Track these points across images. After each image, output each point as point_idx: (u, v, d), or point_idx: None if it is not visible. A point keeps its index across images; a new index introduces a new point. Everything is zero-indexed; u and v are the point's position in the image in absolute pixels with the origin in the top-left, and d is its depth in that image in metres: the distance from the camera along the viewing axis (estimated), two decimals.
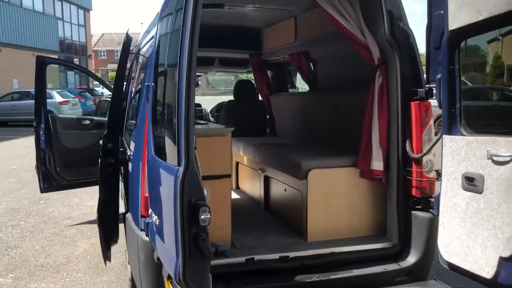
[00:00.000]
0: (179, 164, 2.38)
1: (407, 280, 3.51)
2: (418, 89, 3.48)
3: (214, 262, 3.30)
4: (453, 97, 3.13)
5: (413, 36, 3.59)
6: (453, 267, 3.11)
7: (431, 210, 3.45)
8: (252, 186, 5.29)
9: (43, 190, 6.46)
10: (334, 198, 3.80)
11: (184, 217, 2.30)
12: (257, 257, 3.38)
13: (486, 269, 2.86)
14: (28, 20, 31.01)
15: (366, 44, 3.63)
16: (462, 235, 3.02)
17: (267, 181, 4.76)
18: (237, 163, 5.76)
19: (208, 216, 2.35)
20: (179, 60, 2.42)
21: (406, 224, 3.56)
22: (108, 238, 3.92)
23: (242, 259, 3.35)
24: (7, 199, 8.29)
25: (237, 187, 5.81)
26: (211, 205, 3.29)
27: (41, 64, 6.31)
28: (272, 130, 6.37)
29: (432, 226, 3.40)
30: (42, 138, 6.32)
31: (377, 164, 3.69)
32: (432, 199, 3.43)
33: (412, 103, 3.49)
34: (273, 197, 4.71)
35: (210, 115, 7.88)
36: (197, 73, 7.30)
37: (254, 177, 5.17)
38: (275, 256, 3.42)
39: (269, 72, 6.62)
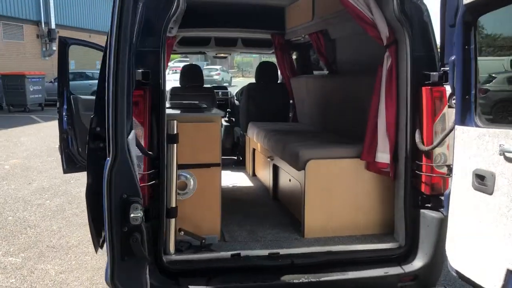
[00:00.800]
0: (108, 155, 2.15)
1: (412, 287, 3.16)
2: (431, 73, 3.07)
3: (195, 256, 3.11)
4: (468, 82, 2.72)
5: (428, 12, 3.16)
6: (461, 275, 2.74)
7: (441, 209, 3.07)
8: (264, 174, 5.04)
9: (66, 171, 6.49)
10: (335, 191, 3.48)
11: (112, 215, 2.09)
12: (244, 253, 3.14)
13: (492, 282, 2.48)
14: (84, 2, 31.86)
15: (373, 21, 3.24)
16: (469, 241, 2.64)
17: (275, 170, 4.49)
18: (253, 150, 5.52)
19: (139, 214, 2.11)
20: (108, 44, 2.20)
21: (414, 223, 3.19)
22: (98, 224, 3.81)
23: (228, 254, 3.12)
24: (42, 177, 8.51)
25: (254, 175, 5.58)
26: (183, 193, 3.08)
27: (64, 45, 6.27)
28: (294, 115, 6.05)
29: (442, 228, 3.02)
30: (65, 119, 6.33)
31: (383, 156, 3.32)
32: (443, 197, 3.04)
33: (424, 88, 3.09)
34: (280, 187, 4.43)
35: (235, 98, 7.62)
36: (221, 55, 7.06)
37: (265, 165, 4.91)
38: (265, 252, 3.17)
39: (293, 54, 6.27)
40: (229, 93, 7.60)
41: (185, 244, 3.18)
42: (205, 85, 6.27)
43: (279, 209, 4.20)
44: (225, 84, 29.10)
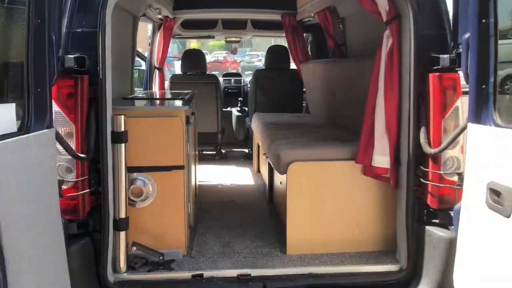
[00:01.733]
0: None
1: None
2: (440, 56, 2.42)
3: (148, 276, 2.64)
4: (485, 67, 2.09)
5: None
6: None
7: (451, 227, 2.44)
8: (264, 173, 4.50)
9: None
10: (325, 200, 2.90)
11: None
12: (208, 273, 2.64)
13: None
14: None
15: None
16: (481, 270, 2.04)
17: (270, 169, 3.94)
18: (258, 145, 4.98)
19: None
20: None
21: (418, 242, 2.59)
22: None
23: (188, 274, 2.63)
24: None
25: (258, 171, 5.05)
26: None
27: None
28: (307, 105, 5.45)
29: (451, 250, 2.40)
30: None
31: (382, 160, 2.71)
32: (453, 213, 2.41)
33: (431, 75, 2.46)
34: (274, 189, 3.88)
35: (248, 86, 7.08)
36: (232, 39, 6.52)
37: (263, 163, 4.37)
38: (233, 273, 2.65)
39: (306, 37, 5.64)
40: (242, 80, 7.05)
41: (141, 261, 2.71)
42: (208, 72, 5.75)
43: (271, 215, 3.65)
44: None
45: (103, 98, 2.39)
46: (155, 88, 5.46)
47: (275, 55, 5.60)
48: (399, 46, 2.59)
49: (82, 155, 2.33)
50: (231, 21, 5.72)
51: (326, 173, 2.88)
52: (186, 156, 2.81)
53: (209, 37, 6.23)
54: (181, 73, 5.56)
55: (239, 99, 6.39)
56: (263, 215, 3.62)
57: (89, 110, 2.41)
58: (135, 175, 2.74)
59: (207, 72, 5.70)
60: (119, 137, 2.51)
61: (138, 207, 2.78)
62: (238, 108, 6.36)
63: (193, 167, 3.43)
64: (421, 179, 2.55)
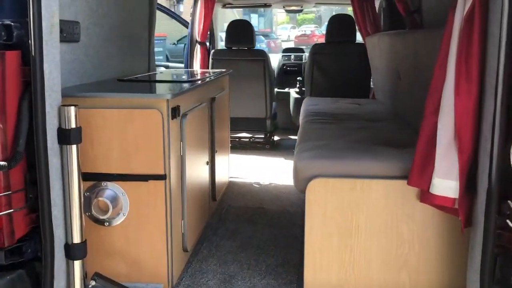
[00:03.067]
0: None
1: None
2: None
3: None
4: None
5: None
6: None
7: None
8: None
9: None
10: (359, 231, 2.04)
11: None
12: None
13: None
14: None
15: None
16: None
17: None
18: None
19: None
20: None
21: None
22: None
23: None
24: None
25: None
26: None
27: None
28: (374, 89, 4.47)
29: None
30: None
31: (446, 185, 1.79)
32: None
33: None
34: None
35: None
36: (292, 8, 5.61)
37: None
38: None
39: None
40: (303, 57, 6.13)
41: None
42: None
43: (304, 235, 2.84)
44: None
45: (37, 82, 1.72)
46: (196, 65, 4.79)
47: (337, 26, 4.65)
48: (484, 11, 1.63)
49: (3, 163, 1.69)
50: None
51: (362, 194, 2.01)
52: (168, 162, 2.08)
53: (265, 6, 5.39)
54: (225, 48, 4.81)
55: (298, 78, 5.52)
56: (292, 234, 2.82)
57: (21, 100, 1.76)
58: (102, 184, 2.08)
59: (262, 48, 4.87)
60: (66, 136, 1.84)
61: (107, 226, 2.12)
62: (297, 89, 5.51)
63: (201, 168, 2.72)
64: (509, 221, 1.61)
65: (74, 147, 1.87)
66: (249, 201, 3.40)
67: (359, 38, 4.79)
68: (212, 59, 4.63)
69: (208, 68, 4.74)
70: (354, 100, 4.06)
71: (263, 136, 5.05)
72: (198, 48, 4.72)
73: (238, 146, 4.99)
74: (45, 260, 1.83)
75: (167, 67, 5.86)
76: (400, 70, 3.10)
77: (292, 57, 6.07)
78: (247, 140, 5.07)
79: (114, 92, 2.19)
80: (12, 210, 1.77)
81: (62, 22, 2.17)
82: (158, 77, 2.98)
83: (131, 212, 2.11)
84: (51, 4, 1.76)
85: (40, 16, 1.71)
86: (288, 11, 5.92)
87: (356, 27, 4.60)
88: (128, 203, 2.10)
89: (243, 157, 4.58)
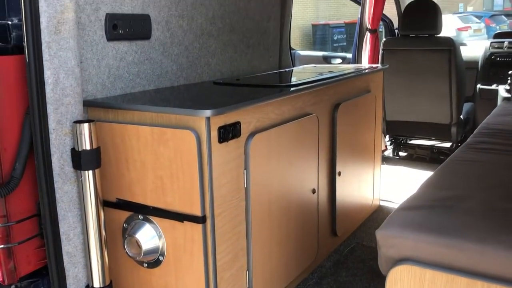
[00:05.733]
0: None
1: None
2: None
3: None
4: None
5: None
6: None
7: None
8: None
9: None
10: None
11: None
12: None
13: None
14: None
15: None
16: None
17: None
18: None
19: None
20: None
21: None
22: None
23: None
24: None
25: None
26: None
27: None
28: None
29: None
30: None
31: None
32: None
33: None
34: None
35: None
36: None
37: None
38: None
39: None
40: None
41: None
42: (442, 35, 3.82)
43: None
44: None
45: (33, 93, 1.39)
46: (365, 57, 4.03)
47: (416, 14, 3.47)
48: None
49: None
50: None
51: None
52: (211, 199, 1.54)
53: None
54: (399, 36, 3.89)
55: (510, 72, 4.20)
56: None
57: (26, 115, 1.47)
58: (139, 217, 1.67)
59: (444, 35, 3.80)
60: (77, 159, 1.48)
61: (146, 267, 1.72)
62: (507, 87, 4.21)
63: (297, 198, 2.08)
64: None
65: (89, 173, 1.51)
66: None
67: None
68: (382, 49, 3.80)
69: (377, 61, 3.93)
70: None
71: (449, 146, 4.02)
72: (368, 37, 3.94)
73: (414, 157, 4.08)
74: None
75: (343, 58, 5.18)
76: None
77: (506, 44, 4.67)
78: (426, 149, 4.11)
79: (153, 104, 1.69)
80: (15, 242, 1.51)
81: (116, 16, 1.83)
82: (269, 79, 2.42)
83: (169, 256, 1.66)
84: None
85: (37, 12, 1.37)
86: None
87: None
88: (165, 244, 1.65)
89: (416, 172, 3.68)
